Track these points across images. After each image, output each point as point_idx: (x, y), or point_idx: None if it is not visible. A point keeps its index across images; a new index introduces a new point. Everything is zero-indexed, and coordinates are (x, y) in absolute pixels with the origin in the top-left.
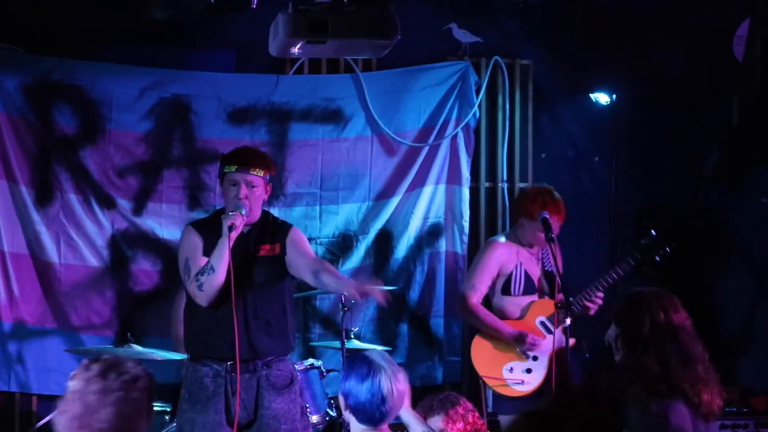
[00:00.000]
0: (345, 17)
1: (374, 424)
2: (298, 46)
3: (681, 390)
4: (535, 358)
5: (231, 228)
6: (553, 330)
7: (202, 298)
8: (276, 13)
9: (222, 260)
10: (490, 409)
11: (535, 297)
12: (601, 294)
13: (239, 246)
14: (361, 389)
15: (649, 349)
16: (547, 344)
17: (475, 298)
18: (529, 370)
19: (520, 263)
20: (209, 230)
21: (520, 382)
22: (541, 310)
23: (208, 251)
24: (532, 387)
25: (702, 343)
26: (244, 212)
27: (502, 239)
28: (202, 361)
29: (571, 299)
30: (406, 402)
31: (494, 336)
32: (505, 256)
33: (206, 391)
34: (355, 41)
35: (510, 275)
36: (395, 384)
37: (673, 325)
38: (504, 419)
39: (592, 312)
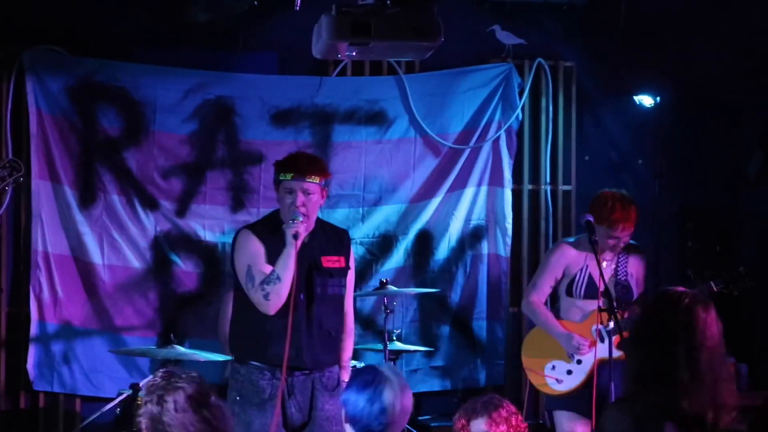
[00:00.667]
0: (388, 19)
1: None
2: (341, 49)
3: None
4: (579, 362)
5: (296, 236)
6: (605, 339)
7: (268, 307)
8: (319, 14)
9: (288, 270)
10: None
11: (588, 302)
12: None
13: (302, 255)
14: (360, 398)
15: (657, 350)
16: (597, 350)
17: (535, 296)
18: (569, 372)
19: (586, 266)
20: (269, 235)
21: (557, 381)
22: (601, 317)
23: (271, 258)
24: (567, 389)
25: (724, 357)
26: (301, 219)
27: (572, 240)
28: (255, 364)
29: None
30: None
31: (547, 333)
32: (570, 257)
33: (262, 393)
34: (399, 43)
35: (574, 277)
36: (400, 398)
37: (697, 332)
38: (558, 415)
39: None
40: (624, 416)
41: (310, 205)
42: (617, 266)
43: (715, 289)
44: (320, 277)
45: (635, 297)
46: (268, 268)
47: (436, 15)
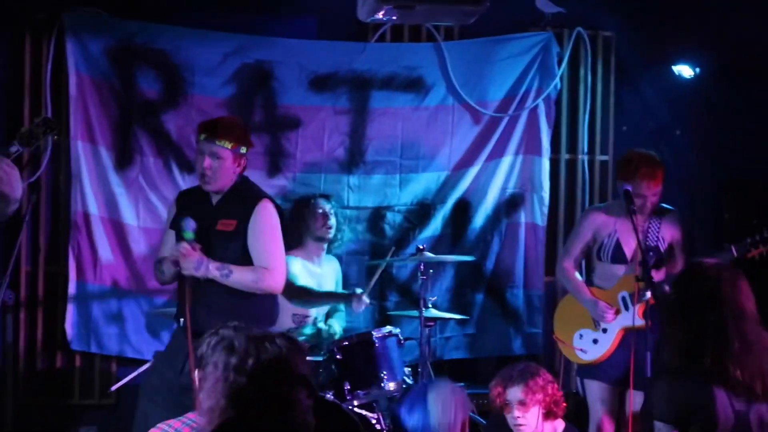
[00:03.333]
0: None
1: None
2: (383, 11)
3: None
4: (604, 331)
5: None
6: (630, 307)
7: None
8: None
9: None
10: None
11: (625, 267)
12: None
13: (201, 216)
14: (414, 417)
15: (690, 319)
16: (620, 319)
17: (567, 262)
18: (595, 341)
19: (615, 231)
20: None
21: (583, 350)
22: (628, 284)
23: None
24: (592, 358)
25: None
26: (192, 235)
27: (602, 206)
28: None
29: (652, 277)
30: None
31: (576, 300)
32: (599, 222)
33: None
34: (443, 7)
35: (603, 242)
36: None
37: (733, 304)
38: (588, 384)
39: None
40: (676, 387)
41: (220, 170)
42: (648, 230)
43: (735, 254)
44: (210, 239)
45: (664, 261)
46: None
47: None
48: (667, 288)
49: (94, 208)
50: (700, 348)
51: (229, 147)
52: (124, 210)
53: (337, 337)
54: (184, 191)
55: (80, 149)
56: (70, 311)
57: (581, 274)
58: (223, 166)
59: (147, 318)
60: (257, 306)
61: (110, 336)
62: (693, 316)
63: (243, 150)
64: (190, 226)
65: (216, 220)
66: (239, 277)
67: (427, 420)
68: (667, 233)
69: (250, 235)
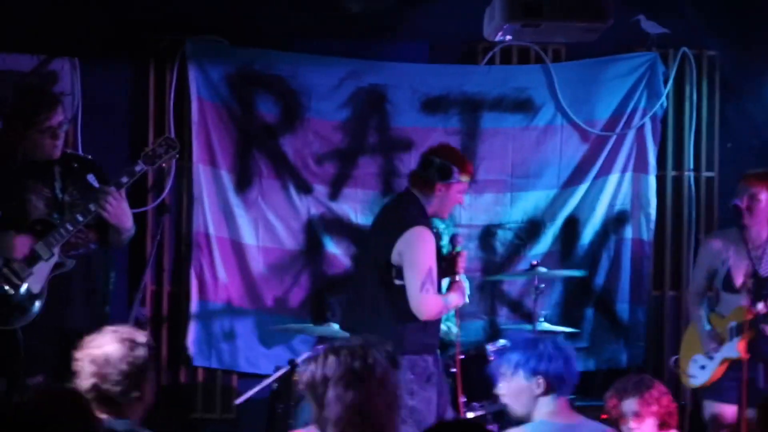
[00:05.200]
0: (560, 1)
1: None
2: (510, 29)
3: None
4: (711, 358)
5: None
6: (734, 337)
7: (421, 316)
8: (472, 3)
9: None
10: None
11: (738, 297)
12: None
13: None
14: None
15: None
16: (724, 349)
17: (691, 287)
18: (703, 367)
19: (728, 258)
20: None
21: (692, 375)
22: (740, 314)
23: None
24: (698, 383)
25: None
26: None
27: (719, 231)
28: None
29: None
30: None
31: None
32: (713, 250)
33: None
34: (569, 25)
35: (717, 270)
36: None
37: None
38: (706, 404)
39: None
40: None
41: None
42: (762, 258)
43: None
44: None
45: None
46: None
47: None
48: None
49: (214, 228)
50: None
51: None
52: (243, 230)
53: (453, 338)
54: (428, 223)
55: (202, 172)
56: (192, 328)
57: (713, 300)
58: None
59: (264, 334)
60: None
61: (230, 352)
62: None
63: None
64: (459, 241)
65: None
66: None
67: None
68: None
69: None
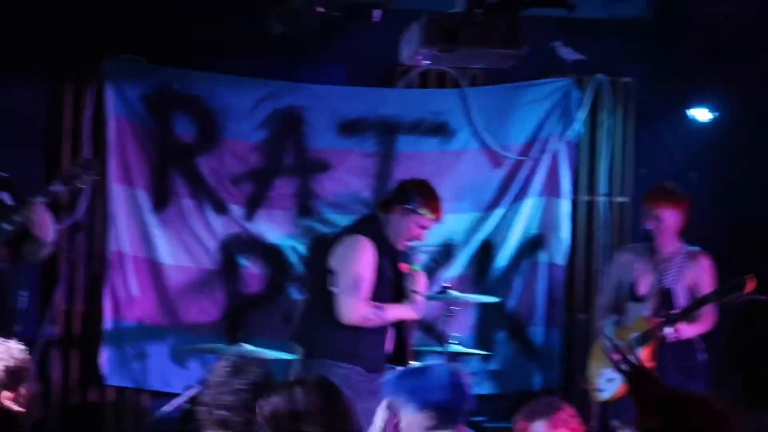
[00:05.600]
0: (476, 27)
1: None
2: (429, 56)
3: None
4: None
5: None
6: (636, 348)
7: (355, 323)
8: (391, 27)
9: (393, 320)
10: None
11: (641, 307)
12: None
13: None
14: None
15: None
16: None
17: (599, 300)
18: (610, 380)
19: (634, 270)
20: (380, 251)
21: (600, 389)
22: (641, 325)
23: (378, 269)
24: (606, 396)
25: None
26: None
27: (628, 246)
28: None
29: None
30: None
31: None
32: (622, 263)
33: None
34: (484, 51)
35: (623, 281)
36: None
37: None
38: (615, 424)
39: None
40: None
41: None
42: (668, 270)
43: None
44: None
45: (680, 304)
46: (369, 288)
47: (522, 24)
48: (667, 332)
49: (130, 247)
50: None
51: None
52: (159, 249)
53: None
54: (371, 235)
55: (118, 191)
56: (105, 347)
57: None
58: None
59: (177, 353)
60: None
61: (143, 370)
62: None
63: None
64: (418, 261)
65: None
66: None
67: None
68: (689, 276)
69: None
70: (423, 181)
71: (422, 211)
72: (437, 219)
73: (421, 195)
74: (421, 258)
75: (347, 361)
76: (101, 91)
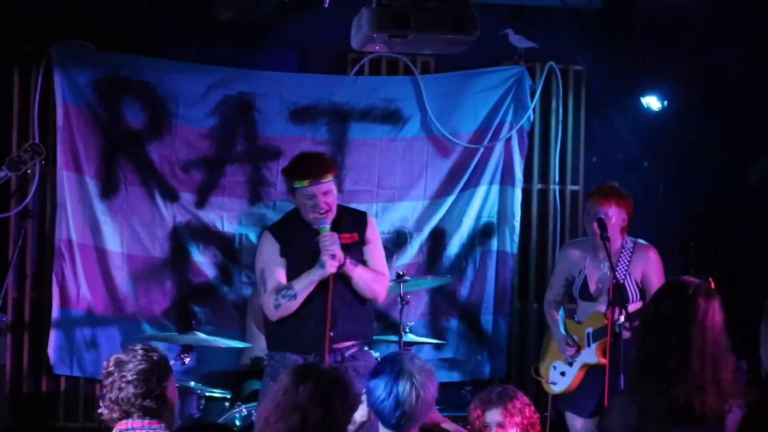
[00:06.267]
0: (427, 13)
1: (393, 428)
2: (379, 41)
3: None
4: (570, 364)
5: (334, 257)
6: (591, 343)
7: (274, 316)
8: (343, 14)
9: (307, 291)
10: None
11: (594, 304)
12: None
13: (315, 240)
14: (377, 388)
15: (654, 336)
16: (582, 355)
17: (547, 295)
18: (563, 374)
19: (584, 267)
20: (287, 235)
21: (553, 382)
22: (596, 321)
23: (287, 254)
24: (559, 390)
25: (724, 348)
26: (329, 227)
27: (576, 242)
28: (288, 352)
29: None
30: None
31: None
32: (571, 259)
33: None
34: (436, 36)
35: (574, 279)
36: (418, 390)
37: (695, 321)
38: (567, 415)
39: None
40: (629, 405)
41: (332, 202)
42: (617, 265)
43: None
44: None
45: (632, 298)
46: (281, 275)
47: (473, 10)
48: (623, 327)
49: (78, 235)
50: (649, 365)
51: (332, 179)
52: (108, 237)
53: None
54: (275, 225)
55: (66, 178)
56: (53, 336)
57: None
58: (333, 197)
59: (127, 342)
60: (370, 314)
61: (92, 360)
62: (649, 333)
63: (335, 175)
64: (325, 222)
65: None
66: (363, 270)
67: (395, 396)
68: (637, 269)
69: (368, 244)
70: (292, 159)
71: (297, 184)
72: (312, 183)
73: (287, 173)
74: (328, 220)
75: (274, 349)
76: (50, 77)
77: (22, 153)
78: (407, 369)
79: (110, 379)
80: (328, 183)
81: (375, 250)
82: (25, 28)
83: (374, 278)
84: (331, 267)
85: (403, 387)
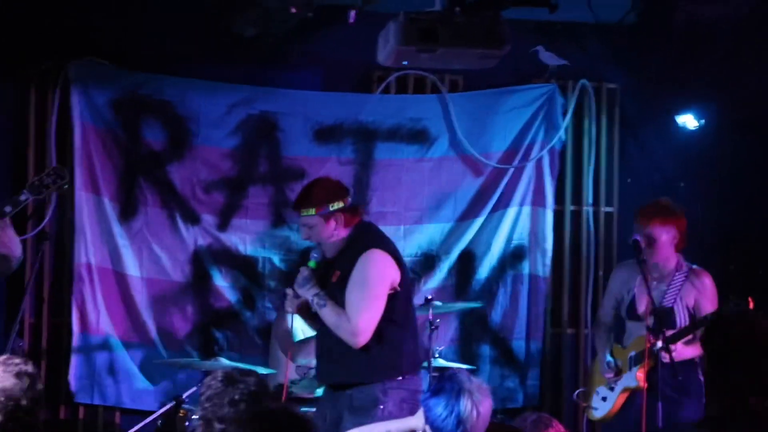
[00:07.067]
0: (456, 27)
1: None
2: (407, 56)
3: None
4: (611, 389)
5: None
6: (632, 367)
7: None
8: (368, 31)
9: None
10: None
11: (641, 324)
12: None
13: (325, 272)
14: (438, 406)
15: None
16: (623, 379)
17: (599, 315)
18: (604, 399)
19: (632, 287)
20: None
21: (595, 408)
22: (640, 344)
23: None
24: (599, 416)
25: None
26: (314, 262)
27: (626, 262)
28: None
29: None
30: None
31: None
32: (620, 279)
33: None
34: (465, 51)
35: (622, 298)
36: (477, 407)
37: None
38: None
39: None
40: None
41: (318, 234)
42: (667, 289)
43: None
44: (331, 292)
45: (681, 323)
46: None
47: (504, 23)
48: (665, 354)
49: (96, 259)
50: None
51: (314, 213)
52: (127, 261)
53: None
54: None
55: (84, 200)
56: (74, 363)
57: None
58: (317, 231)
59: (148, 368)
60: (373, 356)
61: (113, 387)
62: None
63: (333, 207)
64: (314, 256)
65: (332, 273)
66: (328, 313)
67: (456, 413)
68: (690, 295)
69: (348, 285)
70: None
71: (301, 212)
72: (296, 212)
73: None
74: (316, 254)
75: None
76: (67, 97)
77: (44, 176)
78: (467, 388)
79: None
80: (307, 218)
81: (350, 293)
82: (41, 46)
83: (336, 323)
84: (288, 305)
85: (464, 405)
